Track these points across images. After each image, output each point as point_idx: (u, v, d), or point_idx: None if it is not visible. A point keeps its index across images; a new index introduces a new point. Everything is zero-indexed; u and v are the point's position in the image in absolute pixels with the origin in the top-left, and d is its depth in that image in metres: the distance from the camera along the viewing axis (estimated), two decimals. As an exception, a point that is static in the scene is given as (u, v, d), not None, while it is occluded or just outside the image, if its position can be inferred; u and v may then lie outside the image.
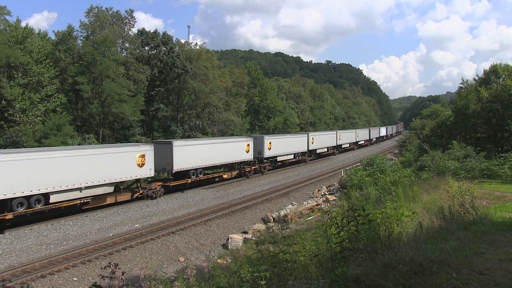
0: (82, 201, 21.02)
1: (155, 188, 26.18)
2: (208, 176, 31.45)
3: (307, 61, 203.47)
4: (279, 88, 71.26)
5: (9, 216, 17.60)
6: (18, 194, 17.79)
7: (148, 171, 24.97)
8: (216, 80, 46.70)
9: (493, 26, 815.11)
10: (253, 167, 36.68)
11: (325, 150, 54.94)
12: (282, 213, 25.12)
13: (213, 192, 29.73)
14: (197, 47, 48.82)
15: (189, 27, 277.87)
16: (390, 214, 7.44)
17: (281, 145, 41.33)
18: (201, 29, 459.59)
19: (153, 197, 25.96)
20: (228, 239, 19.99)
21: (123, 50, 40.38)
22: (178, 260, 17.65)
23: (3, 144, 26.09)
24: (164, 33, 44.08)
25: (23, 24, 32.98)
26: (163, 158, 26.77)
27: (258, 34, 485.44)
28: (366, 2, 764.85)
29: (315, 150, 50.95)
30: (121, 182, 23.67)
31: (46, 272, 14.28)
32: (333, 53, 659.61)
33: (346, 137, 64.08)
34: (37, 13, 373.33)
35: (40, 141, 27.61)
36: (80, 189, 20.66)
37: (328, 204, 26.06)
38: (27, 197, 18.29)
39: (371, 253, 4.87)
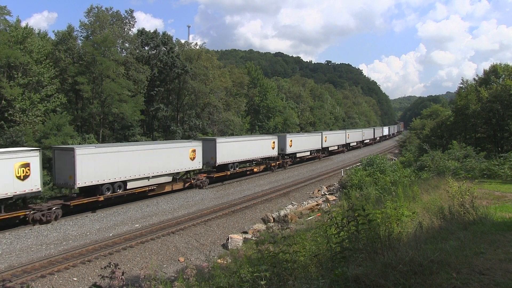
0: (149, 188, 25.25)
1: (202, 179, 30.00)
2: (242, 169, 35.83)
3: (307, 61, 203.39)
4: (279, 88, 71.21)
5: (101, 198, 22.00)
6: (106, 180, 22.18)
7: (197, 164, 29.28)
8: (216, 80, 46.73)
9: (493, 26, 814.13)
10: (277, 162, 41.07)
11: (336, 147, 59.04)
12: (282, 213, 25.13)
13: (213, 192, 29.74)
14: (197, 47, 48.85)
15: (189, 27, 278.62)
16: (390, 214, 7.44)
17: (300, 143, 45.59)
18: (201, 29, 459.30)
19: (200, 186, 29.78)
20: (228, 239, 19.99)
21: (123, 50, 40.41)
22: (178, 260, 17.66)
23: (3, 144, 26.05)
24: (164, 33, 44.16)
25: (23, 24, 33.05)
26: (208, 153, 30.86)
27: (258, 34, 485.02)
28: (366, 2, 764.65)
29: (328, 147, 54.90)
30: (177, 173, 27.92)
31: (46, 272, 14.29)
32: (333, 53, 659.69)
33: (354, 136, 68.82)
34: (37, 13, 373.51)
35: (40, 141, 27.54)
36: (148, 178, 24.94)
37: (328, 204, 26.07)
38: (112, 183, 22.63)
39: (371, 253, 4.87)
